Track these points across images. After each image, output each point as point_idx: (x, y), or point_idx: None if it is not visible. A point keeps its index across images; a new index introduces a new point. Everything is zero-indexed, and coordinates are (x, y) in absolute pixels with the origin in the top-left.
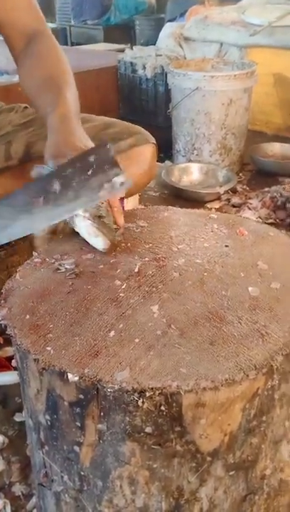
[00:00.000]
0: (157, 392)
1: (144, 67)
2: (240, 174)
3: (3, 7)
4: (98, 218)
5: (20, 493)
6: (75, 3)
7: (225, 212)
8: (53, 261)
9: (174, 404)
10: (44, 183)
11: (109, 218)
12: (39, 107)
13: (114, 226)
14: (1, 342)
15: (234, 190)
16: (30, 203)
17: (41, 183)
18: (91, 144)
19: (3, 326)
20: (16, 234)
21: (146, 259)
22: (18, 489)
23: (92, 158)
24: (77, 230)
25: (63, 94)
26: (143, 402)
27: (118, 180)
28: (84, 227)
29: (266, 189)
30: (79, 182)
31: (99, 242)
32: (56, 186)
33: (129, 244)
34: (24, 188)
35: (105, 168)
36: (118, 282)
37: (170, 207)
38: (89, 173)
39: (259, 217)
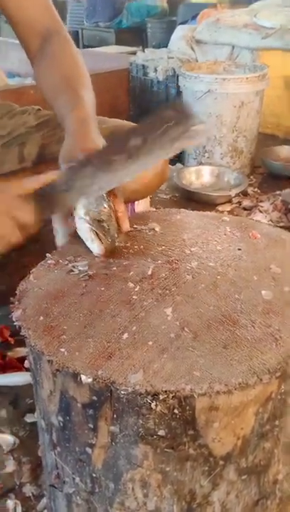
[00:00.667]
0: (170, 395)
1: (156, 70)
2: (251, 177)
3: (19, 5)
4: (97, 222)
5: (30, 494)
6: (89, 3)
7: (236, 215)
8: (67, 262)
9: (187, 408)
10: (124, 141)
11: (110, 223)
12: (56, 108)
13: (116, 231)
14: (12, 343)
15: (245, 193)
16: (113, 161)
17: (122, 141)
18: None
19: (17, 327)
20: (101, 188)
21: (159, 261)
22: (28, 490)
23: (170, 112)
24: (78, 232)
25: (80, 96)
26: (156, 405)
27: (196, 128)
28: (83, 229)
29: (278, 192)
30: (160, 134)
31: (94, 246)
32: (137, 141)
33: (141, 246)
34: (106, 147)
35: (183, 119)
36: (131, 284)
37: (182, 209)
38: (170, 124)
39: (271, 221)
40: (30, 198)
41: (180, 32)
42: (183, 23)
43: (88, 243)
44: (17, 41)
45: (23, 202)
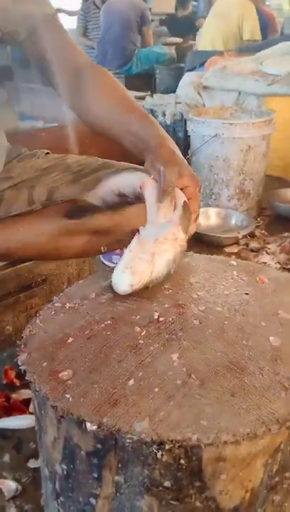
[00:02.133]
0: (177, 445)
1: (164, 114)
2: (258, 219)
3: (48, 44)
4: (142, 255)
5: None
6: (99, 51)
7: (244, 256)
8: (73, 305)
9: (194, 458)
10: None
11: (165, 257)
12: (116, 129)
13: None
14: (18, 384)
15: (252, 235)
16: None
17: None
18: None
19: (22, 371)
20: None
21: (166, 305)
22: None
23: None
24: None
25: (145, 113)
26: (162, 455)
27: None
28: (127, 257)
29: (286, 234)
30: None
31: (121, 279)
32: None
33: (148, 289)
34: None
35: None
36: (137, 329)
37: (190, 252)
38: None
39: (278, 263)
40: None
41: (188, 78)
42: (191, 69)
43: (116, 272)
44: (29, 84)
45: None
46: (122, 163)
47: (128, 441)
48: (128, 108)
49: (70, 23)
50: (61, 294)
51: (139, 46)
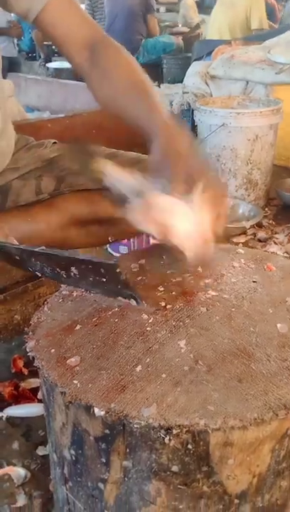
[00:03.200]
0: (184, 430)
1: (171, 104)
2: (266, 209)
3: (60, 21)
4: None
5: None
6: None
7: (251, 246)
8: (81, 293)
9: (201, 443)
10: (63, 263)
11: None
12: (129, 114)
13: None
14: (26, 373)
15: (259, 225)
16: (52, 269)
17: (60, 261)
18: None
19: (31, 357)
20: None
21: (174, 293)
22: None
23: (102, 270)
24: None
25: (155, 100)
26: (169, 440)
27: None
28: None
29: None
30: (94, 281)
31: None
32: (74, 271)
33: (156, 277)
34: (47, 254)
35: (118, 286)
36: (145, 316)
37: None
38: (104, 280)
39: (286, 252)
40: None
41: (195, 68)
42: (198, 59)
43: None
44: (36, 77)
45: None
46: (129, 152)
47: (136, 426)
48: (139, 94)
49: None
50: None
51: (146, 35)
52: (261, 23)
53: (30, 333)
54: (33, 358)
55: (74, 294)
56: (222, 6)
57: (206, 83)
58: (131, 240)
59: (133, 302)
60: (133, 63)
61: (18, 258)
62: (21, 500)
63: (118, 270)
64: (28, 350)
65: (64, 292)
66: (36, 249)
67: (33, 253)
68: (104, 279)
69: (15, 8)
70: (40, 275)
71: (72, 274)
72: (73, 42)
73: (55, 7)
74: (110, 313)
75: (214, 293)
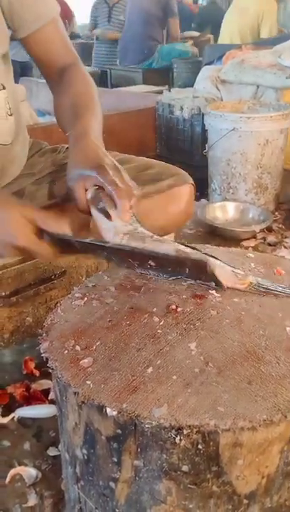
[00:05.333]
0: (194, 430)
1: (182, 109)
2: (276, 213)
3: (45, 50)
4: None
5: None
6: (121, 47)
7: (261, 250)
8: (93, 296)
9: (211, 443)
10: (141, 256)
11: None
12: (67, 133)
13: None
14: (37, 375)
15: (269, 229)
16: (126, 261)
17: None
18: (107, 159)
19: (44, 358)
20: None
21: (184, 296)
22: None
23: (187, 269)
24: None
25: (84, 117)
26: (180, 440)
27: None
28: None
29: None
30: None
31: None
32: (152, 263)
33: (167, 281)
34: (126, 249)
35: (201, 278)
36: (156, 318)
37: (207, 245)
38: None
39: None
40: (46, 235)
41: (205, 72)
42: (209, 63)
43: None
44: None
45: (37, 236)
46: (140, 158)
47: (147, 426)
48: (71, 114)
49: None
50: (81, 284)
51: (162, 41)
52: (271, 32)
53: (44, 334)
54: (46, 359)
55: (87, 296)
56: (234, 10)
57: (217, 87)
58: None
59: (212, 284)
60: (88, 86)
61: (79, 248)
62: (32, 500)
63: (208, 267)
64: (41, 351)
65: (77, 294)
66: (108, 245)
67: (100, 247)
68: (187, 271)
69: (7, 21)
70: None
71: (148, 264)
72: (50, 64)
73: (45, 32)
74: (122, 315)
75: (224, 296)
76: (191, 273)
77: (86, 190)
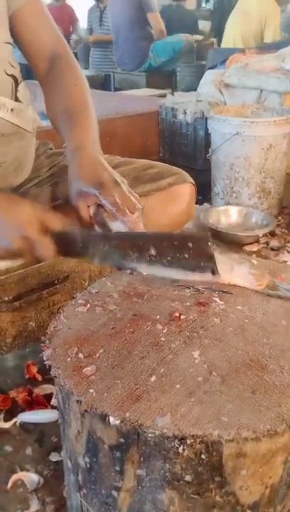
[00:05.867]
0: (198, 440)
1: (185, 113)
2: (279, 217)
3: (28, 29)
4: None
5: None
6: (117, 55)
7: (264, 255)
8: (96, 303)
9: (215, 453)
10: (141, 243)
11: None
12: (60, 134)
13: None
14: (40, 380)
15: (272, 234)
16: (127, 253)
17: (138, 241)
18: (106, 174)
19: (47, 366)
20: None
21: (187, 303)
22: None
23: (190, 244)
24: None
25: (79, 124)
26: (183, 450)
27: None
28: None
29: None
30: (174, 258)
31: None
32: (152, 251)
33: (170, 288)
34: (122, 236)
35: (201, 260)
36: (159, 326)
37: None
38: (186, 255)
39: None
40: (49, 233)
41: (209, 76)
42: (212, 67)
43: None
44: None
45: (42, 232)
46: (141, 160)
47: (150, 435)
48: (64, 118)
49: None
50: (84, 291)
51: (153, 38)
52: (275, 36)
53: (47, 341)
54: (49, 366)
55: (90, 303)
56: (237, 14)
57: (220, 92)
58: None
59: (209, 275)
60: (79, 85)
61: (81, 245)
62: (34, 506)
63: (209, 242)
64: (44, 358)
65: (80, 301)
66: (110, 234)
67: (104, 237)
68: (187, 255)
69: None
70: (99, 262)
71: (148, 254)
72: (37, 49)
73: (28, 10)
74: (125, 323)
75: (228, 304)
76: (193, 255)
77: (88, 206)
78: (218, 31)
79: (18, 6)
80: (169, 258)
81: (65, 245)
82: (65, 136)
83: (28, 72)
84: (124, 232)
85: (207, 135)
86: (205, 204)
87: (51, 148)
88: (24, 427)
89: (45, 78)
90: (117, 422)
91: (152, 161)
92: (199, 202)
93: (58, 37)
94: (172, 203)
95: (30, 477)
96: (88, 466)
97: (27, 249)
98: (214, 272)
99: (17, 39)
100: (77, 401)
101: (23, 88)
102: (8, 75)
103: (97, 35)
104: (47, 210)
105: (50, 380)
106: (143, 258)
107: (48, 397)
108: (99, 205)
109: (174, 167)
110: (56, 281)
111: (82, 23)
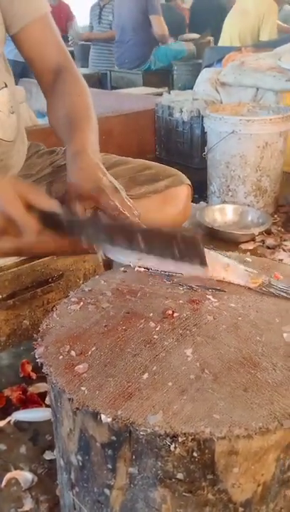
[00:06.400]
0: (190, 438)
1: (181, 111)
2: (275, 216)
3: (34, 43)
4: None
5: None
6: (118, 55)
7: (260, 253)
8: (89, 301)
9: (207, 451)
10: (131, 237)
11: None
12: (64, 148)
13: None
14: (34, 378)
15: (268, 232)
16: (115, 240)
17: (129, 234)
18: (106, 180)
19: (39, 363)
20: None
21: (180, 301)
22: None
23: (181, 246)
24: None
25: (80, 129)
26: (175, 447)
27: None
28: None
29: None
30: (163, 253)
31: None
32: (142, 245)
33: (163, 286)
34: (112, 227)
35: (192, 259)
36: (152, 324)
37: (205, 249)
38: (176, 252)
39: None
40: (35, 211)
41: (205, 74)
42: (209, 66)
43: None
44: None
45: (27, 210)
46: (137, 159)
47: (142, 433)
48: (66, 125)
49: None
50: (77, 289)
51: (156, 42)
52: (271, 35)
53: (39, 339)
54: (42, 364)
55: (84, 301)
56: (235, 13)
57: (216, 90)
58: None
59: (197, 268)
60: (83, 94)
61: (67, 224)
62: (28, 505)
63: (199, 244)
64: (36, 356)
65: (73, 299)
66: (101, 223)
67: (91, 220)
68: (177, 250)
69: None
70: (86, 242)
71: (136, 243)
72: (43, 63)
73: (37, 26)
74: (118, 320)
75: (221, 302)
76: (180, 249)
77: (85, 209)
78: (203, 28)
79: (27, 21)
80: (158, 249)
81: (51, 224)
82: (65, 140)
83: (25, 70)
84: (113, 222)
85: (204, 133)
86: (201, 202)
87: (43, 149)
88: (18, 425)
89: (50, 89)
90: (109, 420)
91: (148, 162)
92: (195, 200)
93: (63, 49)
94: (169, 205)
95: (24, 476)
96: (80, 464)
97: (9, 227)
98: (203, 262)
99: (23, 52)
100: (69, 399)
101: (4, 95)
102: None
103: (88, 33)
104: (31, 184)
105: (45, 379)
106: (132, 247)
107: (43, 395)
108: (97, 209)
109: (171, 168)
110: (50, 280)
111: (81, 21)
